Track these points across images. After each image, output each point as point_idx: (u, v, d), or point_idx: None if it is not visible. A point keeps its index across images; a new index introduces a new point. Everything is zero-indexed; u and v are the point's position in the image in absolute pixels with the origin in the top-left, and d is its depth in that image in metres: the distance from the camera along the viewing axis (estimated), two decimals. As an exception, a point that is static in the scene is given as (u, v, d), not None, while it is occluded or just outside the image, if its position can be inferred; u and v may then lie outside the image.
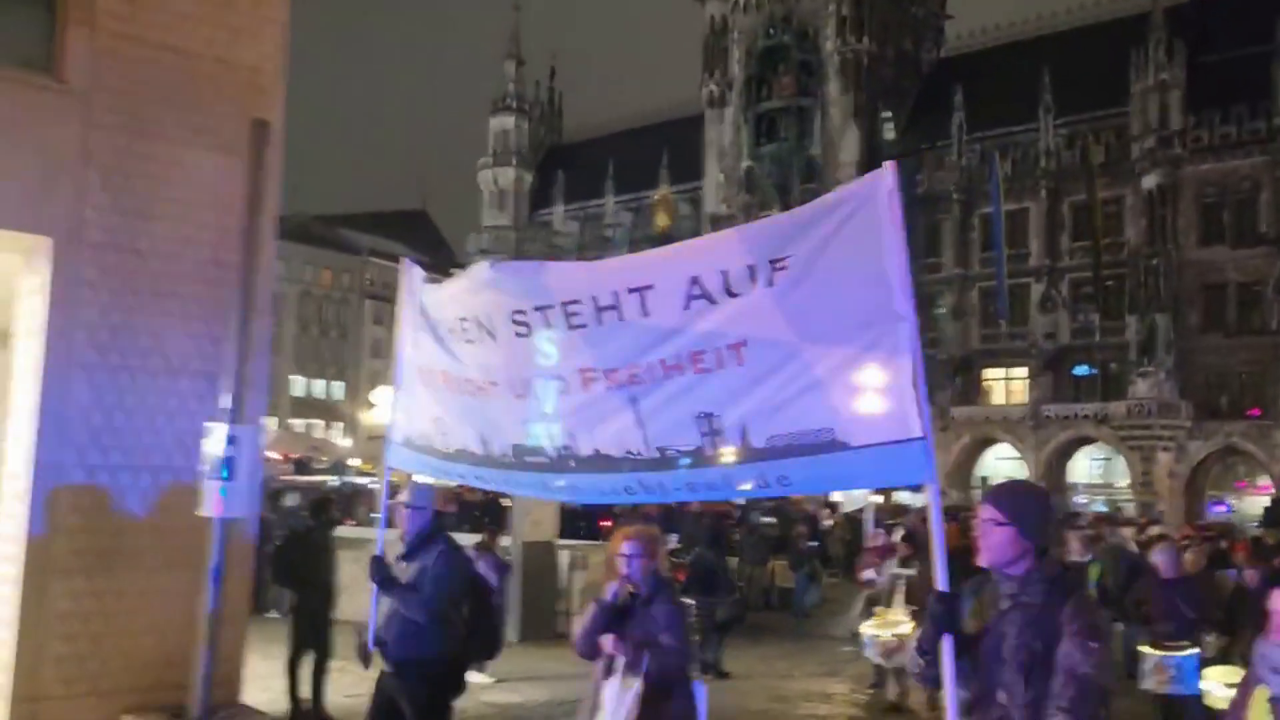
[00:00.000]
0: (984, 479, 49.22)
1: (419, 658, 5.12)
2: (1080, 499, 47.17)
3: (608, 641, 4.35)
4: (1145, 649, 8.28)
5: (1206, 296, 43.69)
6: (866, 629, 10.01)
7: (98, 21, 6.68)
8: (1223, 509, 42.45)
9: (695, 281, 3.64)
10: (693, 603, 13.18)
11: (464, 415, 4.77)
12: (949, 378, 48.40)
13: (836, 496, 29.26)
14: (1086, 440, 45.96)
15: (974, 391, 49.21)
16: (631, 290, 3.84)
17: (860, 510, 21.34)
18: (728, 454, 3.63)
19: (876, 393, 3.25)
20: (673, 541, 16.57)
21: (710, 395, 3.65)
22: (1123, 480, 45.26)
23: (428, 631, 5.10)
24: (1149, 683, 8.09)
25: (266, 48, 7.33)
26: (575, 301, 4.02)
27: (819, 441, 3.37)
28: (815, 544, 17.48)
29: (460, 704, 9.16)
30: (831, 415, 3.34)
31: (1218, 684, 7.09)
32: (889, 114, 53.38)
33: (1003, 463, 49.12)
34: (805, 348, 3.42)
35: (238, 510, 6.33)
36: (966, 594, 3.32)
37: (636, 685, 4.24)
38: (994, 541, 3.10)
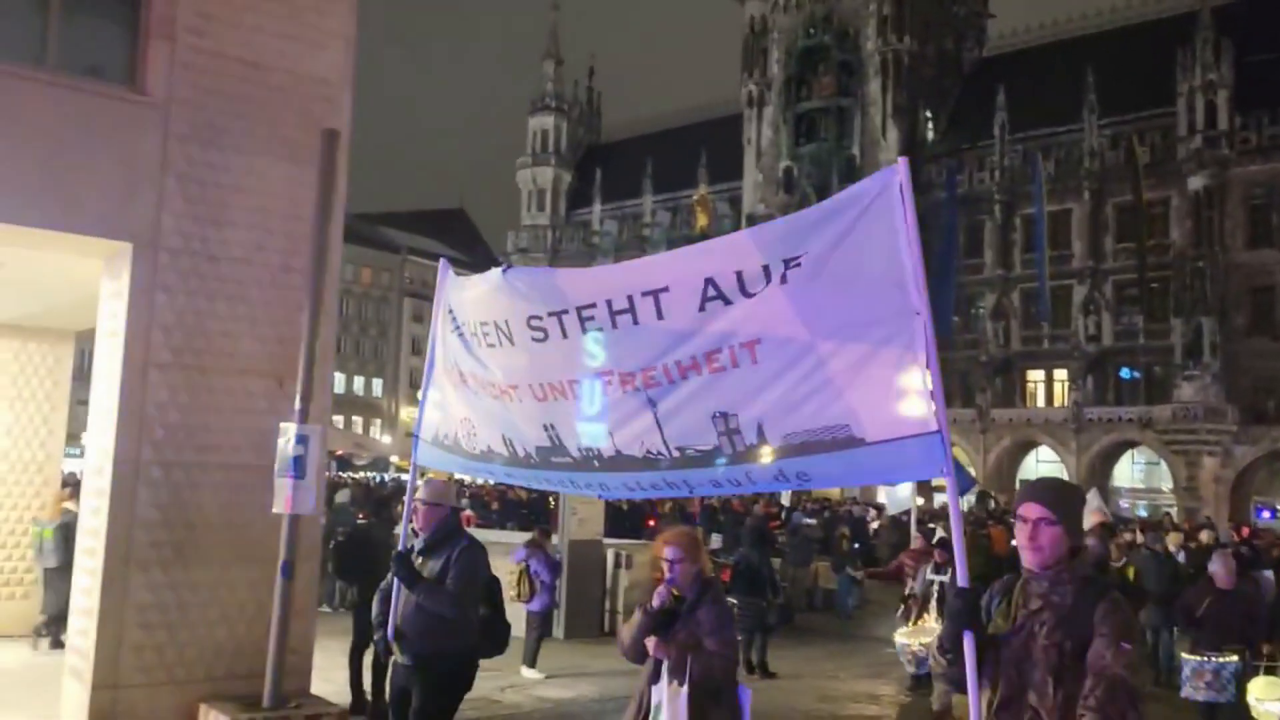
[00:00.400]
0: (1024, 482, 48.95)
1: (440, 652, 5.14)
2: (1123, 503, 46.72)
3: (651, 644, 4.36)
4: (1185, 655, 8.35)
5: (1254, 299, 43.07)
6: (899, 636, 9.94)
7: (177, 37, 6.94)
8: (1269, 515, 41.84)
9: (710, 283, 3.64)
10: (736, 603, 13.36)
11: (489, 417, 4.82)
12: (989, 379, 48.09)
13: (882, 498, 29.26)
14: (1130, 444, 45.47)
15: (1015, 393, 48.83)
16: (645, 293, 3.85)
17: (905, 513, 21.34)
18: (746, 453, 3.63)
19: (892, 388, 3.23)
20: (715, 543, 16.75)
21: (726, 395, 3.66)
22: (1166, 484, 44.73)
23: (451, 627, 5.12)
24: (1188, 689, 8.13)
25: (334, 60, 7.56)
26: (590, 305, 4.05)
27: (836, 438, 3.36)
28: (858, 546, 17.52)
29: (515, 699, 9.45)
30: (848, 411, 3.33)
31: (1266, 699, 7.11)
32: (930, 114, 53.07)
33: (1044, 466, 48.70)
34: (820, 344, 3.41)
35: (307, 507, 6.58)
36: (996, 592, 3.24)
37: (684, 690, 4.24)
38: (1047, 541, 3.07)
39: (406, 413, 76.10)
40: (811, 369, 3.42)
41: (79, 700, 6.73)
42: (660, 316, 3.82)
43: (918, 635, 9.53)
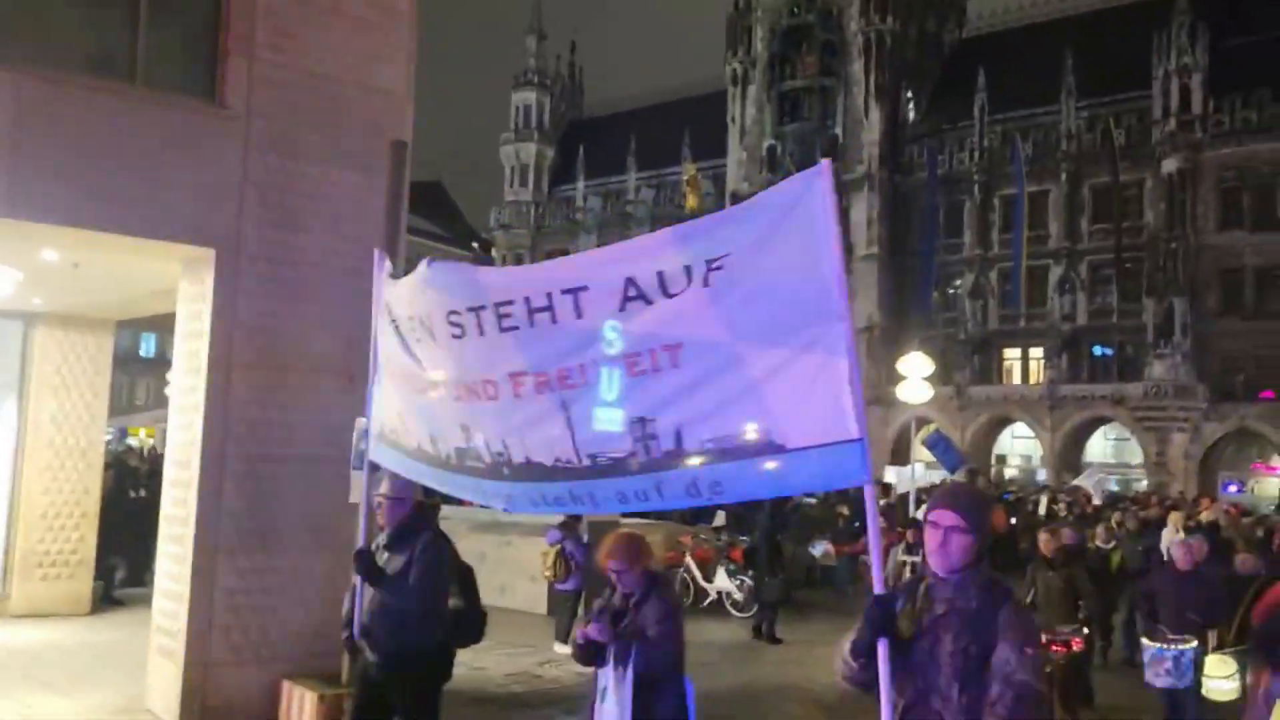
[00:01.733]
0: (1001, 457, 49.99)
1: (409, 649, 5.02)
2: (1093, 478, 47.85)
3: (594, 629, 4.38)
4: (1145, 641, 8.23)
5: (1224, 280, 44.06)
6: None
7: (255, 52, 7.35)
8: (1236, 490, 43.10)
9: (631, 282, 3.52)
10: (747, 580, 13.98)
11: (419, 413, 4.68)
12: (967, 357, 48.98)
13: (890, 478, 29.88)
14: (1102, 420, 46.54)
15: (992, 371, 49.75)
16: (565, 291, 3.70)
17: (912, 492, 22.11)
18: (662, 460, 3.51)
19: (813, 394, 3.17)
20: (720, 520, 17.33)
21: (644, 399, 3.53)
22: (1137, 460, 45.87)
23: (418, 622, 5.03)
24: (1149, 675, 8.06)
25: (399, 73, 7.99)
26: (508, 302, 3.89)
27: (756, 444, 3.30)
28: (857, 524, 18.17)
29: (555, 673, 9.99)
30: (768, 417, 3.27)
31: (1213, 678, 7.03)
32: (911, 94, 53.60)
33: (1019, 441, 49.81)
34: (741, 349, 3.32)
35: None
36: (900, 596, 3.26)
37: (629, 676, 4.29)
38: (956, 548, 3.11)
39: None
40: (733, 374, 3.33)
41: (170, 677, 7.21)
42: (579, 315, 3.68)
43: None
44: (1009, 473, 48.18)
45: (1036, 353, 48.69)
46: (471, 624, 5.78)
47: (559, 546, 10.86)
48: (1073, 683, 8.41)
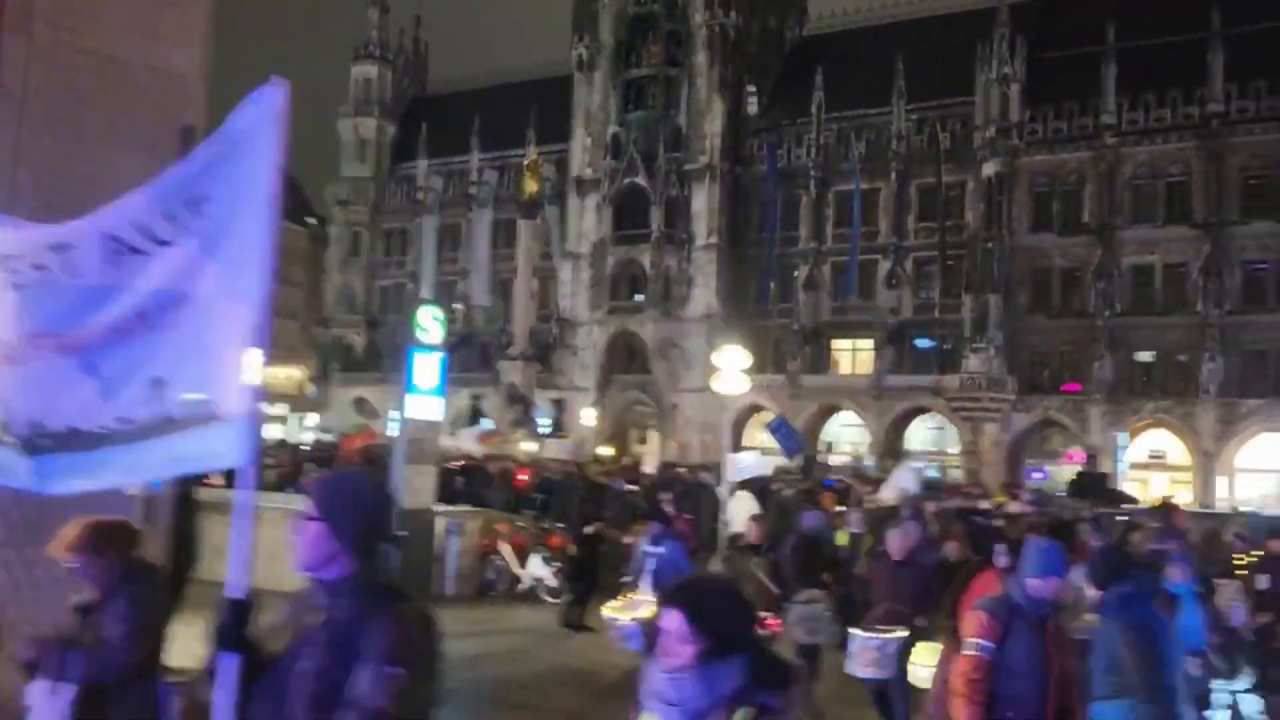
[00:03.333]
0: (829, 444, 51.99)
1: None
2: (916, 464, 50.33)
3: (22, 645, 3.91)
4: (853, 630, 8.02)
5: (1034, 280, 47.06)
6: (605, 610, 9.63)
7: (33, 29, 7.00)
8: (1041, 475, 46.16)
9: (115, 238, 3.32)
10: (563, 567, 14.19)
11: None
12: (799, 347, 50.71)
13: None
14: (923, 410, 49.02)
15: (822, 361, 51.65)
16: (58, 248, 3.47)
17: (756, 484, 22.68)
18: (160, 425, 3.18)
19: (226, 358, 3.01)
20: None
21: (146, 358, 3.23)
22: (954, 448, 48.53)
23: None
24: (854, 665, 7.85)
25: (192, 55, 7.74)
26: (16, 257, 3.57)
27: (197, 414, 3.10)
28: (690, 516, 18.48)
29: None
30: (209, 383, 3.08)
31: (919, 665, 7.00)
32: (754, 88, 54.86)
33: (846, 429, 51.93)
34: (198, 303, 3.14)
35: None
36: (295, 606, 2.83)
37: (67, 690, 3.78)
38: (308, 542, 2.73)
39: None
40: (193, 330, 3.16)
41: None
42: (77, 274, 3.41)
43: (626, 610, 9.12)
44: (835, 459, 50.20)
45: (865, 344, 50.80)
46: None
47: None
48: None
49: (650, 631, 2.82)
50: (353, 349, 64.38)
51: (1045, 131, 46.89)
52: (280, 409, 51.81)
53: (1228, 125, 43.45)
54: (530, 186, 42.75)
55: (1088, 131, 45.97)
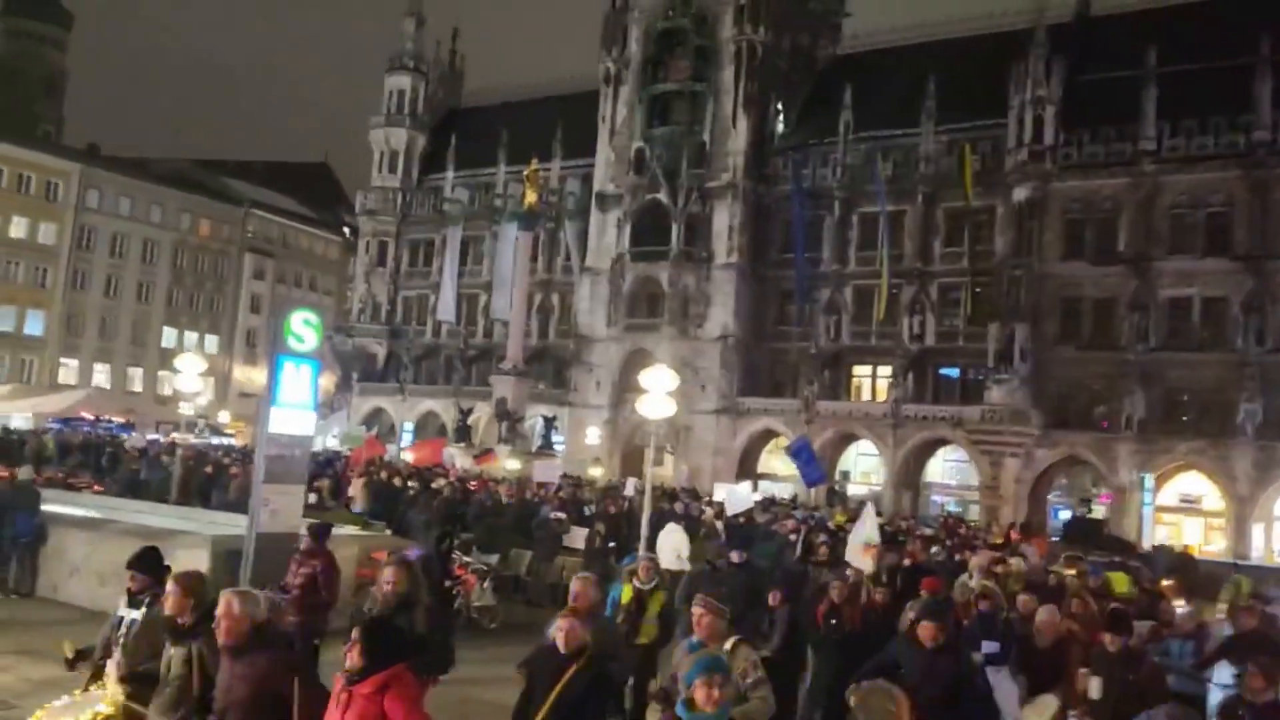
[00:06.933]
0: (844, 473, 50.28)
1: None
2: (936, 499, 48.49)
3: None
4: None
5: (1064, 310, 45.02)
6: None
7: None
8: (1067, 515, 44.00)
9: None
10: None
11: None
12: (817, 371, 49.17)
13: (719, 495, 29.29)
14: (942, 441, 47.13)
15: (841, 387, 50.05)
16: None
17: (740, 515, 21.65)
18: None
19: None
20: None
21: None
22: (975, 482, 46.55)
23: None
24: None
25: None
26: None
27: None
28: (614, 544, 17.37)
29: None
30: None
31: None
32: (780, 106, 53.65)
33: (864, 459, 50.21)
34: None
35: None
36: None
37: None
38: None
39: (241, 372, 73.47)
40: None
41: None
42: None
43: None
44: (853, 490, 48.47)
45: (885, 371, 49.04)
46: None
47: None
48: None
49: None
50: (374, 359, 64.10)
51: (1080, 156, 44.95)
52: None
53: (1274, 155, 41.23)
54: (529, 197, 41.84)
55: (1125, 157, 43.94)
